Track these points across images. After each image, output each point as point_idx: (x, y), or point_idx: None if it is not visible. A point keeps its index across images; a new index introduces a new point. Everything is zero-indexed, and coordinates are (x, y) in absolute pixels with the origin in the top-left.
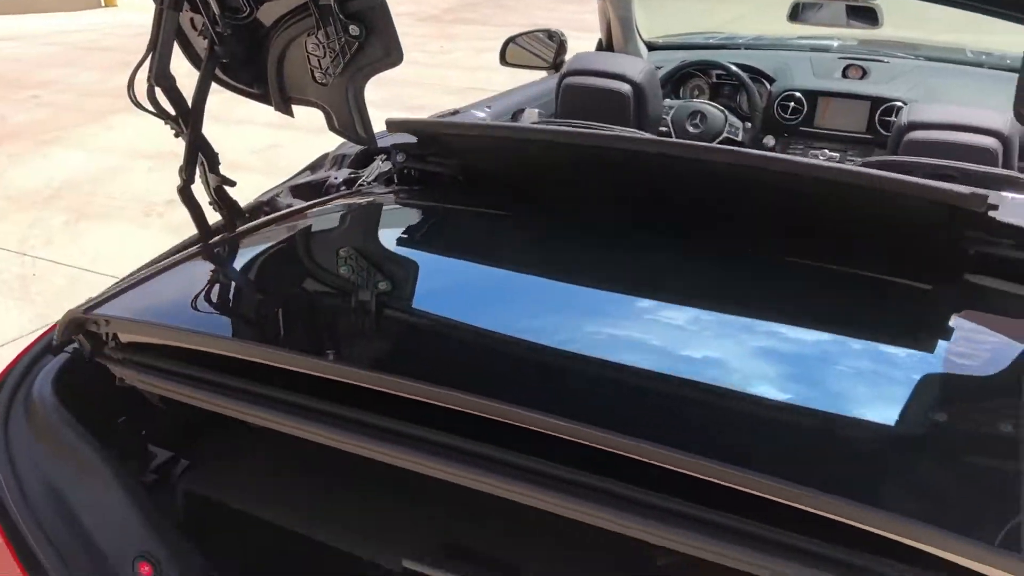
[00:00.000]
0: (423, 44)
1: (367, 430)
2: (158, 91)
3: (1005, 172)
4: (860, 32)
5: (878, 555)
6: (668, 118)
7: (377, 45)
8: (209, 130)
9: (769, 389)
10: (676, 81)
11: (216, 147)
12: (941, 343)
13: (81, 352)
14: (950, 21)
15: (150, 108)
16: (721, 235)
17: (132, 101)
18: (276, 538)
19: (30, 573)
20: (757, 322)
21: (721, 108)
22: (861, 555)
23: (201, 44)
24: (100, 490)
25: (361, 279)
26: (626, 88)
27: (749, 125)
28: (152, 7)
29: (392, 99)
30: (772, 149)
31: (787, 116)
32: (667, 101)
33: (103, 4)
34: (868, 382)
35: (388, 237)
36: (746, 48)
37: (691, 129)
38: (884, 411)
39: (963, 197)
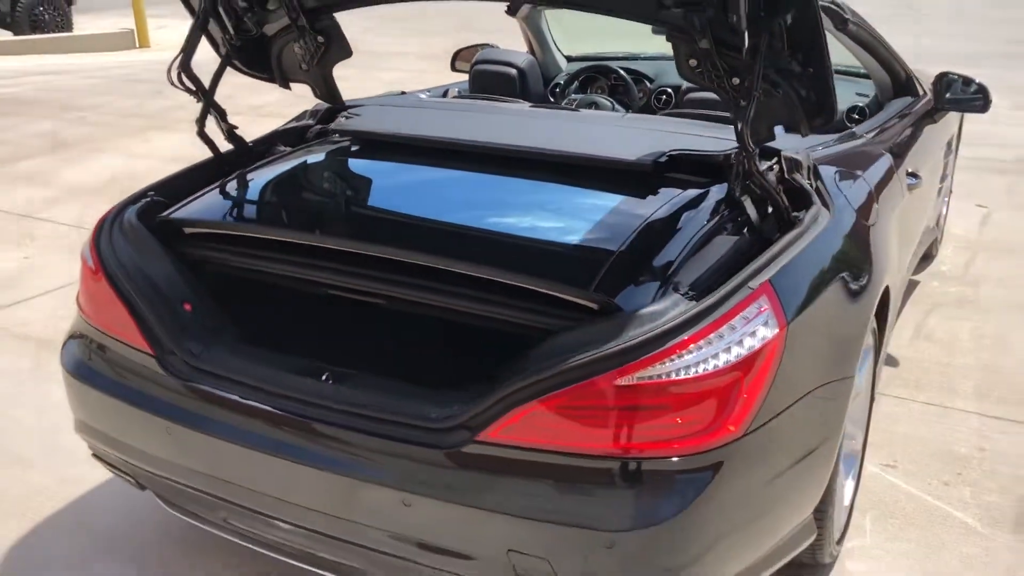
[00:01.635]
0: (421, 77)
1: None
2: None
3: None
4: None
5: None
6: (572, 108)
7: (335, 47)
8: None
9: (501, 226)
10: (583, 81)
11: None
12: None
13: (151, 203)
14: None
15: (178, 84)
16: (513, 171)
17: (168, 80)
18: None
19: (128, 308)
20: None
21: (611, 100)
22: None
23: (222, 47)
24: (162, 266)
25: (324, 193)
26: (513, 71)
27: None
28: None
29: None
30: None
31: (660, 105)
32: (574, 95)
33: (138, 46)
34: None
35: (342, 171)
36: (644, 60)
37: None
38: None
39: (628, 163)
